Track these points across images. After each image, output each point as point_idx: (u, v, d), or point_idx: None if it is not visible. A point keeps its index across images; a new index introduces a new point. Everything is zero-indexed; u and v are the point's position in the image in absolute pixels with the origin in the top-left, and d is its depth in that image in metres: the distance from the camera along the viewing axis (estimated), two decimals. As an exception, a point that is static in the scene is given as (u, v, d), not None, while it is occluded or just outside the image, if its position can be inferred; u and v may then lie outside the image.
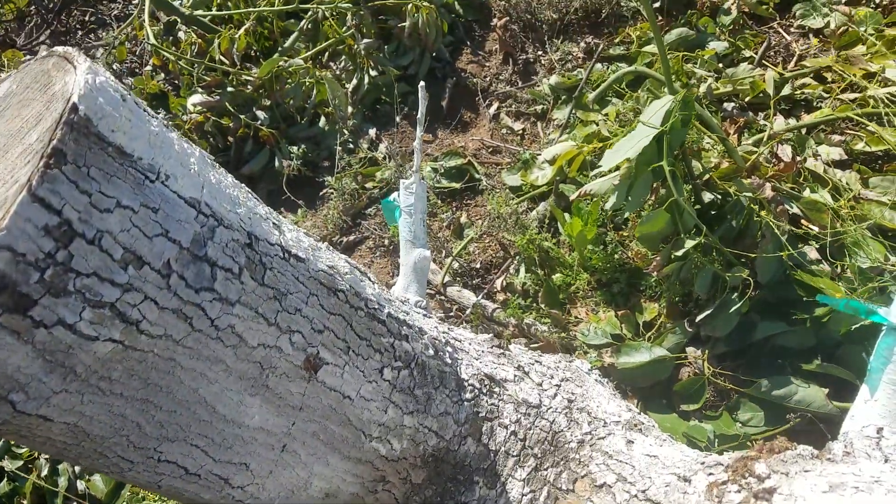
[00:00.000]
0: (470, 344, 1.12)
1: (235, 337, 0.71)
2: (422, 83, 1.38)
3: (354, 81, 2.79)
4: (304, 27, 2.93)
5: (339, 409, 0.83)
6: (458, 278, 2.20)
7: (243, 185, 0.85)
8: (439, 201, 2.40)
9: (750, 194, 1.69)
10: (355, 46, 2.77)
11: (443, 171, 2.45)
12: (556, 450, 0.97)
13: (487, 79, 2.79)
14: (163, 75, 3.31)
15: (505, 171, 2.42)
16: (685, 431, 1.50)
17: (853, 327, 1.52)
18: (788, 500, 0.61)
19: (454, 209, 2.42)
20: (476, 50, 2.90)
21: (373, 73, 2.82)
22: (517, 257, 2.17)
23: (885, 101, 1.88)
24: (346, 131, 2.73)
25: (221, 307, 0.69)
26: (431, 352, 0.97)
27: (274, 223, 0.81)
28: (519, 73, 2.76)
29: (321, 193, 2.62)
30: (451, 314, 2.14)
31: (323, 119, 2.84)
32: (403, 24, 2.74)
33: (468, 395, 0.99)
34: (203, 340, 0.68)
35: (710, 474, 0.75)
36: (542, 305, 2.00)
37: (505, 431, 0.98)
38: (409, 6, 2.71)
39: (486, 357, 1.10)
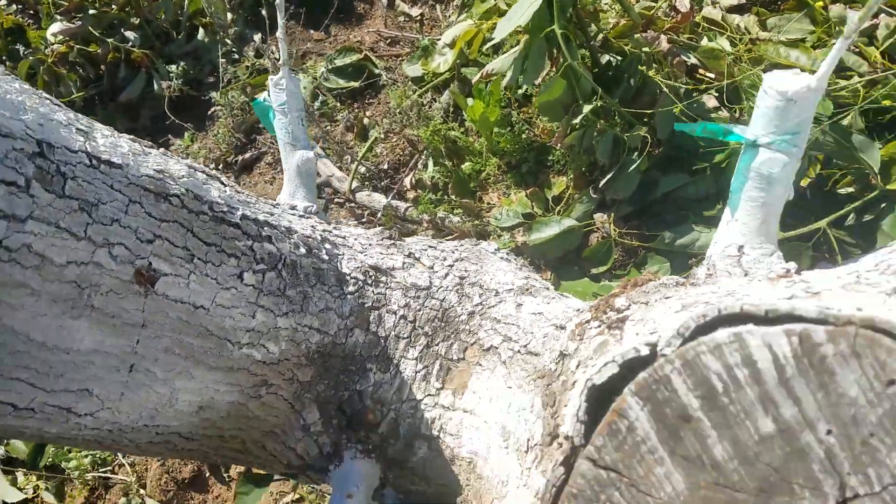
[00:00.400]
0: (356, 239, 1.06)
1: (36, 256, 0.61)
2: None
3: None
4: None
5: (192, 321, 0.76)
6: (366, 182, 2.11)
7: (40, 92, 0.73)
8: (338, 103, 2.26)
9: (646, 49, 1.62)
10: (222, -56, 2.50)
11: (337, 69, 2.29)
12: (446, 325, 0.94)
13: (374, -36, 2.58)
14: (15, 6, 2.95)
15: (405, 61, 2.28)
16: (594, 292, 1.51)
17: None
18: (639, 325, 0.59)
19: (355, 110, 2.29)
20: (357, -67, 2.66)
21: (247, -28, 2.57)
22: (425, 152, 2.08)
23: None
24: (228, 41, 2.51)
25: (8, 225, 0.59)
26: (303, 250, 0.90)
27: (79, 129, 0.70)
28: (406, -47, 2.56)
29: (210, 112, 2.43)
30: (364, 220, 2.07)
31: (201, 31, 2.60)
32: (270, -89, 2.47)
33: (351, 289, 0.94)
34: (-6, 265, 0.59)
35: (580, 316, 0.73)
36: (454, 197, 1.95)
37: (394, 317, 0.94)
38: None
39: (374, 249, 1.04)
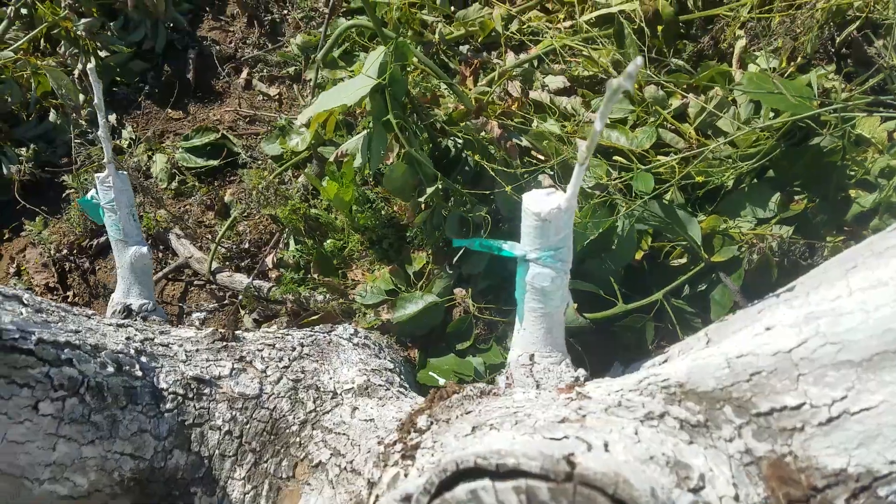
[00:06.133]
0: (181, 346, 1.04)
1: None
2: (90, 65, 1.21)
3: (80, 66, 2.46)
4: (13, 13, 2.51)
5: (-23, 465, 0.71)
6: (227, 262, 2.08)
7: None
8: (196, 183, 2.22)
9: (483, 134, 1.73)
10: (72, 28, 2.43)
11: (195, 148, 2.27)
12: (276, 438, 0.94)
13: (233, 44, 2.61)
14: None
15: (263, 140, 2.30)
16: (455, 370, 1.55)
17: (586, 243, 1.64)
18: (428, 453, 0.61)
19: (216, 188, 2.26)
20: (217, 15, 2.68)
21: (103, 53, 2.51)
22: (286, 230, 2.08)
23: (595, 26, 2.01)
24: (81, 122, 2.42)
25: None
26: (111, 369, 0.87)
27: None
28: (266, 34, 2.61)
29: (64, 195, 2.32)
30: (226, 302, 2.02)
31: (53, 113, 2.50)
32: (124, -6, 2.45)
33: (169, 406, 0.91)
34: None
35: (392, 434, 0.75)
36: (316, 275, 1.95)
37: (218, 433, 0.92)
38: (126, -27, 2.42)
39: (200, 356, 1.03)
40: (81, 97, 2.47)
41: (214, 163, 2.29)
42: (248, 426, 0.94)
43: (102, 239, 2.18)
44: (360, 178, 2.00)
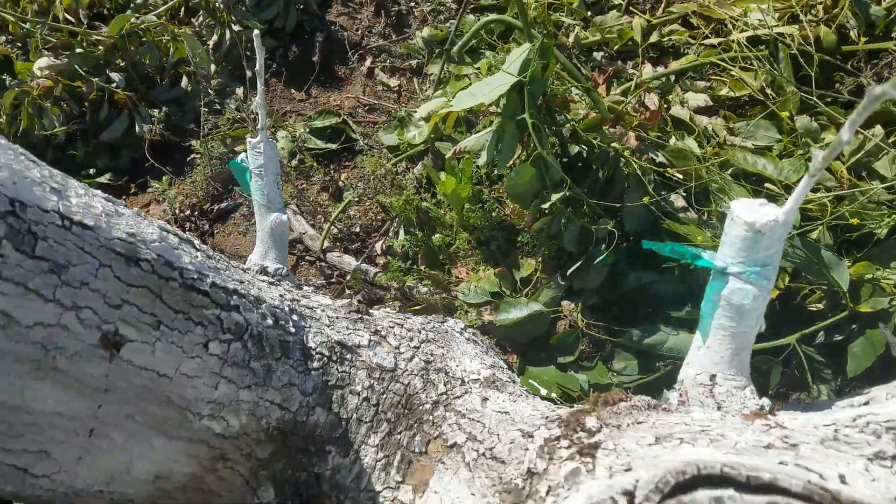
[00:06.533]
0: (323, 311, 1.06)
1: (2, 316, 0.60)
2: (256, 31, 1.26)
3: (215, 38, 2.58)
4: (159, -21, 2.67)
5: (155, 389, 0.74)
6: (338, 243, 2.12)
7: (15, 146, 0.73)
8: (315, 164, 2.29)
9: (615, 144, 1.70)
10: (213, 0, 2.56)
11: (316, 130, 2.33)
12: (410, 413, 0.93)
13: (360, 32, 2.67)
14: (4, 38, 2.94)
15: (382, 129, 2.34)
16: (559, 383, 1.51)
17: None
18: (612, 455, 0.59)
19: (332, 171, 2.32)
20: (346, 1, 2.76)
21: (236, 27, 2.62)
22: (396, 219, 2.11)
23: (747, 45, 1.94)
24: (210, 91, 2.54)
25: (-23, 284, 0.58)
26: (270, 321, 0.89)
27: (53, 187, 0.69)
28: (392, 25, 2.66)
29: (189, 159, 2.43)
30: (333, 280, 2.06)
31: (185, 79, 2.63)
32: (267, -26, 2.56)
33: (316, 364, 0.93)
34: (-43, 324, 0.58)
35: (549, 430, 0.73)
36: (423, 267, 1.96)
37: (357, 398, 0.93)
38: (274, -45, 2.53)
39: (341, 323, 1.04)
40: (213, 67, 2.58)
41: (333, 146, 2.34)
42: (384, 396, 0.94)
43: (223, 205, 2.26)
44: (476, 175, 2.00)
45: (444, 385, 0.97)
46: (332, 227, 2.11)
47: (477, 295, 1.81)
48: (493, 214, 2.00)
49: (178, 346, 0.76)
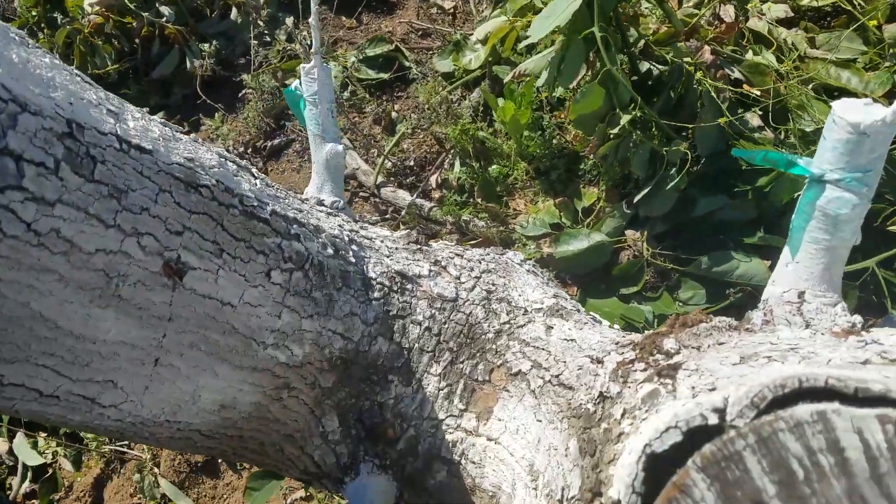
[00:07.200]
0: (382, 242, 1.03)
1: (64, 242, 0.59)
2: (312, -52, 1.18)
3: (264, -35, 2.51)
4: None
5: (219, 318, 0.73)
6: (391, 178, 2.08)
7: (70, 67, 0.70)
8: (367, 95, 2.23)
9: (688, 59, 1.57)
10: (261, -76, 2.47)
11: (368, 59, 2.26)
12: (472, 342, 0.91)
13: (412, -46, 2.54)
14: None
15: (436, 55, 2.25)
16: (623, 314, 1.47)
17: (796, 195, 1.47)
18: (694, 375, 0.55)
19: (384, 102, 2.26)
20: (398, -78, 2.62)
21: (285, -45, 2.54)
22: (452, 151, 2.05)
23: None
24: (260, 22, 2.48)
25: (38, 208, 0.57)
26: (330, 251, 0.87)
27: (110, 110, 0.67)
28: (446, -55, 2.52)
29: (240, 94, 2.41)
30: (387, 216, 2.04)
31: (234, 11, 2.58)
32: None
33: (376, 294, 0.90)
34: (21, 248, 0.57)
35: (621, 354, 0.69)
36: (479, 200, 1.91)
37: (418, 328, 0.91)
38: None
39: (400, 254, 1.01)
40: (263, -1, 2.52)
41: (385, 76, 2.27)
42: (445, 326, 0.91)
43: (276, 141, 2.25)
44: (536, 101, 1.91)
45: (507, 314, 0.93)
46: (386, 162, 2.07)
47: (536, 227, 1.76)
48: (554, 142, 1.91)
49: (241, 274, 0.75)
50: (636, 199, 1.56)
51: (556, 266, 1.67)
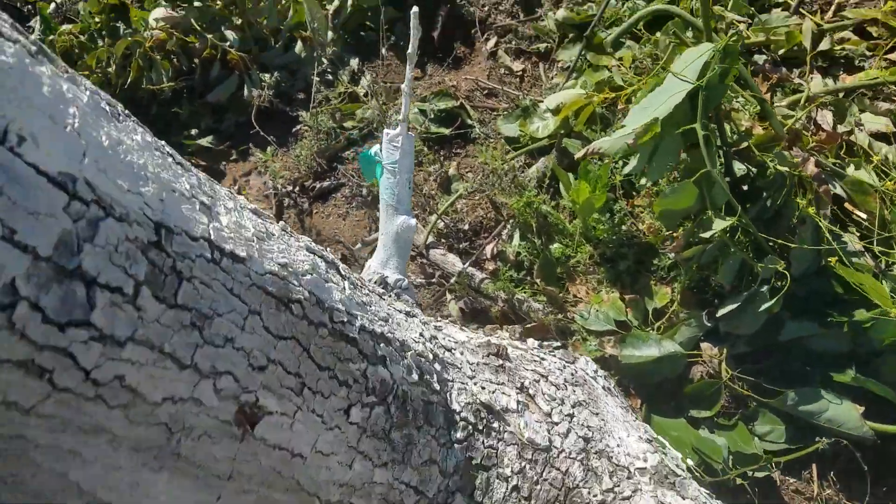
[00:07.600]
0: (462, 353, 0.89)
1: (127, 393, 0.46)
2: (415, 9, 1.08)
3: (336, 2, 2.44)
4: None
5: (285, 473, 0.60)
6: (442, 240, 1.96)
7: (162, 143, 0.57)
8: (426, 149, 2.12)
9: (789, 170, 1.45)
10: (339, -38, 2.41)
11: (431, 114, 2.16)
12: (569, 510, 0.76)
13: (486, 8, 2.47)
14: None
15: (501, 118, 2.15)
16: (696, 445, 1.31)
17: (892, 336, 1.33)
18: None
19: (441, 159, 2.15)
20: (476, -25, 2.55)
21: (358, -6, 2.47)
22: (511, 221, 1.92)
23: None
24: (324, 60, 2.41)
25: (103, 350, 0.44)
26: (415, 376, 0.73)
27: (203, 203, 0.54)
28: (521, 3, 2.44)
29: (294, 130, 2.31)
30: (433, 280, 1.91)
31: (300, 44, 2.50)
32: (396, -62, 2.38)
33: (459, 435, 0.77)
34: (72, 404, 0.44)
35: None
36: (537, 280, 1.78)
37: (505, 485, 0.76)
38: (405, -83, 2.34)
39: (483, 374, 0.87)
40: (330, 34, 2.45)
41: (446, 131, 2.17)
42: (538, 487, 0.77)
43: (325, 183, 2.14)
44: (609, 184, 1.79)
45: (610, 477, 0.79)
46: (439, 221, 1.95)
47: (599, 321, 1.62)
48: (623, 227, 1.79)
49: (318, 414, 0.62)
50: (720, 312, 1.42)
51: (620, 371, 1.52)
